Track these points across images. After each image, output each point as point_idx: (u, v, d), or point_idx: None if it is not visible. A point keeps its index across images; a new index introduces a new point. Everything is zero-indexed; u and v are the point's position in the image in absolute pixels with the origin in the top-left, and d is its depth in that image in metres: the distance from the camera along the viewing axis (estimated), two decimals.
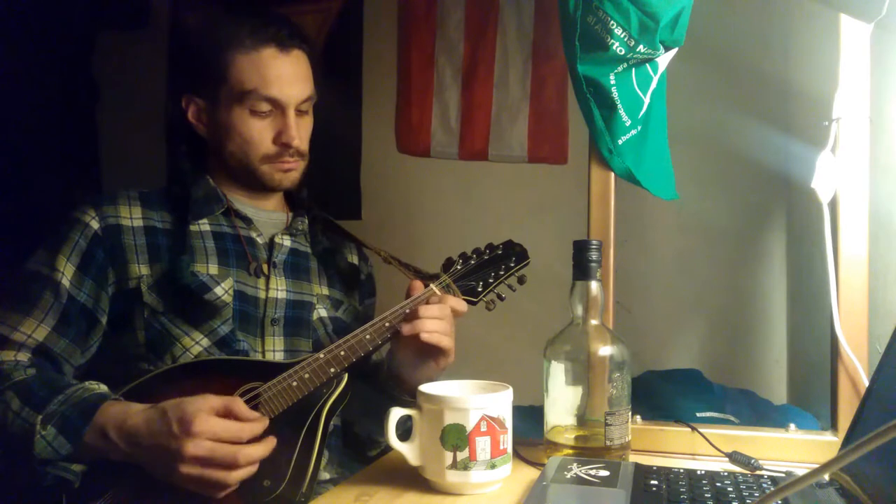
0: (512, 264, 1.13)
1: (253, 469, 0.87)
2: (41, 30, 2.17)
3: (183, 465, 0.83)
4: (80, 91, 2.35)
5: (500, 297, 1.13)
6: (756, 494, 0.75)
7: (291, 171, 1.13)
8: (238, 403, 0.88)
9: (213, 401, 0.87)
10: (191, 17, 2.19)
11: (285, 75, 1.09)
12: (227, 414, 0.87)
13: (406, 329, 1.01)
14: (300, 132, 1.12)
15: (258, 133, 1.09)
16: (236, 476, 0.85)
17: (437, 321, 1.01)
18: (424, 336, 1.00)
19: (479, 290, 1.11)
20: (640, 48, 1.01)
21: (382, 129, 2.13)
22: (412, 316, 1.02)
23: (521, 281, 1.14)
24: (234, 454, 0.85)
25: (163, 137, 2.25)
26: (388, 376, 1.12)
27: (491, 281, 1.12)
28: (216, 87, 1.10)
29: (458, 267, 1.11)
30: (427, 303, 1.04)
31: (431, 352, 1.04)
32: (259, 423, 0.89)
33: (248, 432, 0.87)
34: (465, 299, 1.09)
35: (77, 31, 2.33)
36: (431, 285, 1.08)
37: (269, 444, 0.89)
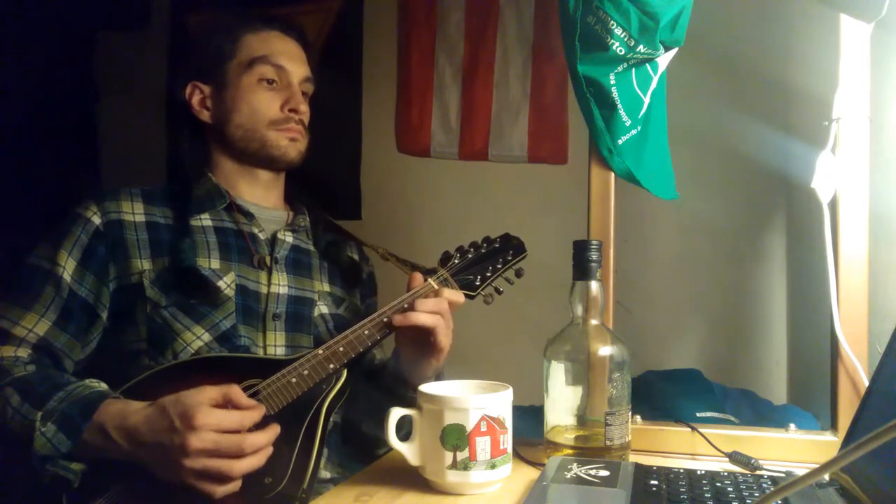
0: (509, 257, 1.13)
1: (259, 459, 0.87)
2: (41, 30, 2.18)
3: (187, 460, 0.83)
4: (80, 91, 2.35)
5: (497, 291, 1.13)
6: (756, 494, 0.74)
7: (297, 141, 1.17)
8: (235, 390, 0.88)
9: (211, 392, 0.87)
10: (199, 14, 2.21)
11: (290, 52, 1.19)
12: (226, 403, 0.87)
13: (398, 320, 1.01)
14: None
15: (266, 101, 1.15)
16: (242, 466, 0.85)
17: (431, 315, 1.01)
18: (416, 319, 1.00)
19: (477, 283, 1.11)
20: (640, 48, 1.01)
21: (382, 129, 2.14)
22: (408, 309, 1.02)
23: (518, 274, 1.14)
24: (239, 443, 0.85)
25: (163, 137, 2.25)
26: (392, 375, 1.12)
27: (489, 274, 1.11)
28: (224, 66, 1.16)
29: (456, 261, 1.11)
30: (424, 297, 1.04)
31: (425, 348, 1.04)
32: (257, 411, 0.89)
33: (248, 420, 0.88)
34: (463, 293, 1.09)
35: (77, 31, 2.33)
36: (429, 279, 1.07)
37: (273, 430, 0.89)
